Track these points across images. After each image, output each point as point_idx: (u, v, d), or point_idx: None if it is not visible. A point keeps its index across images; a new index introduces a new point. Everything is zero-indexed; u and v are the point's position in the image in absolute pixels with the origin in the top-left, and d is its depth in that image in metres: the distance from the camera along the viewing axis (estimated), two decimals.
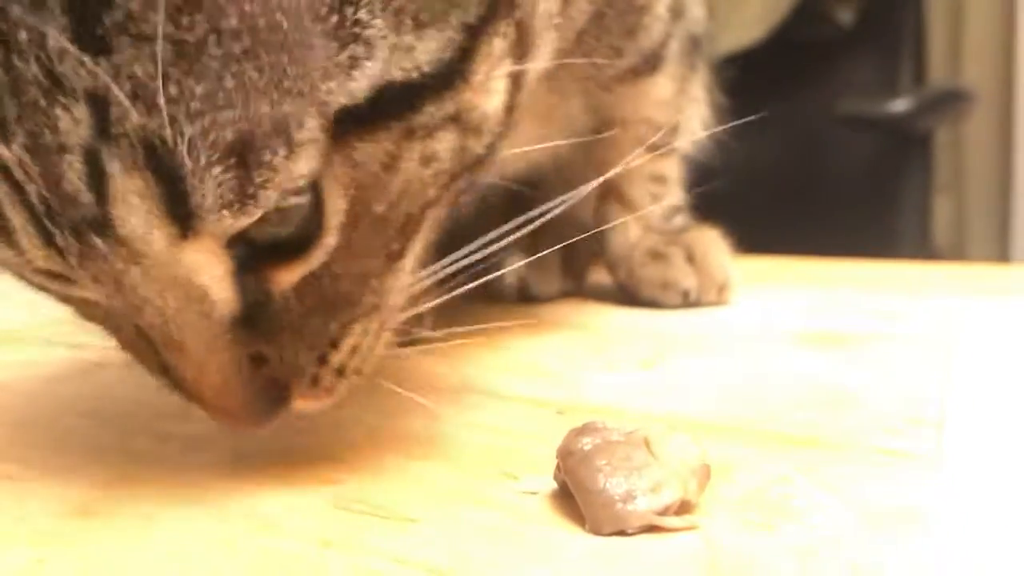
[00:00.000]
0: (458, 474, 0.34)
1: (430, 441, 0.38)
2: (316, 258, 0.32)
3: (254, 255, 0.31)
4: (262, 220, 0.30)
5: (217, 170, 0.27)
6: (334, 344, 0.35)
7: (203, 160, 0.27)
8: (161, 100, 0.26)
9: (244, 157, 0.28)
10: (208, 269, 0.30)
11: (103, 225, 0.28)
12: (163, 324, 0.31)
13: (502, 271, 0.68)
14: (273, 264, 0.32)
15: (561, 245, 0.69)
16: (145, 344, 0.33)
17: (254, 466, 0.35)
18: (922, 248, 1.76)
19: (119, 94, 0.26)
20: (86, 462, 0.37)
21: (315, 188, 0.31)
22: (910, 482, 0.32)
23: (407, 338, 0.54)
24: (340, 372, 0.35)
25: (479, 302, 0.67)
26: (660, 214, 0.65)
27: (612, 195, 0.66)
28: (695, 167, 0.73)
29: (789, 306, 0.62)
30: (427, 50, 0.31)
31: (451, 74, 0.32)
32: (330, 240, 0.32)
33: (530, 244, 0.69)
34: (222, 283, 0.31)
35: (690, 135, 0.68)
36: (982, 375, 0.43)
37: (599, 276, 0.69)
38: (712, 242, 0.64)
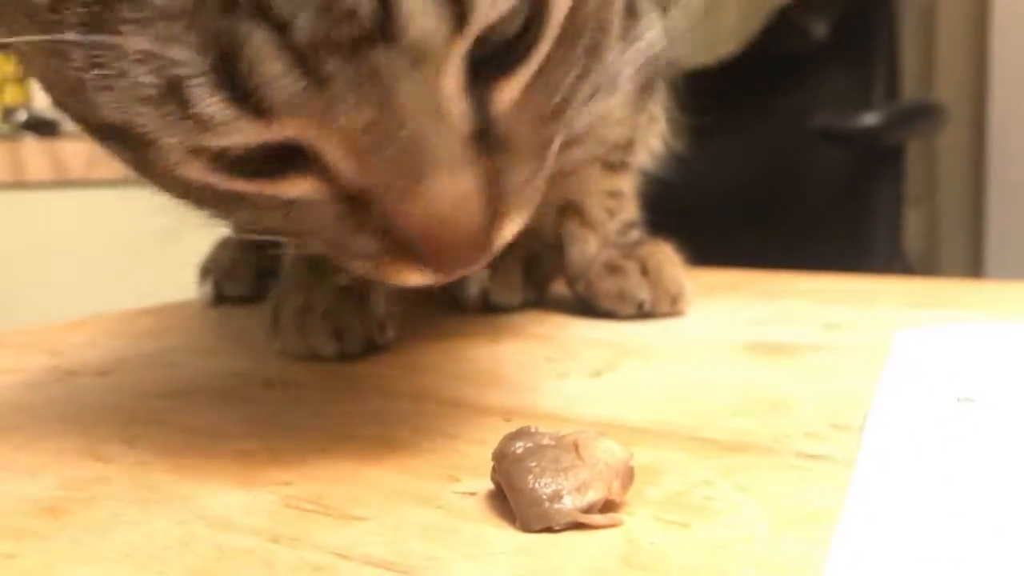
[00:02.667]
0: (405, 476, 0.36)
1: (381, 446, 0.40)
2: (536, 60, 0.34)
3: (475, 71, 0.33)
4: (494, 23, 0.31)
5: None
6: (545, 151, 0.37)
7: None
8: None
9: None
10: (457, 77, 0.32)
11: (387, 37, 0.29)
12: (415, 148, 0.32)
13: (465, 281, 0.71)
14: (496, 76, 0.33)
15: (523, 257, 0.72)
16: (352, 214, 0.34)
17: (214, 469, 0.38)
18: (895, 260, 1.79)
19: None
20: (56, 464, 0.39)
21: None
22: (823, 485, 0.34)
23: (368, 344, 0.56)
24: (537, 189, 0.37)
25: (441, 311, 0.70)
26: (616, 229, 0.68)
27: (571, 210, 0.68)
28: (660, 183, 0.75)
29: (739, 317, 0.65)
30: None
31: None
32: (551, 34, 0.34)
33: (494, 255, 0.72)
34: (462, 95, 0.32)
35: (647, 152, 0.71)
36: (909, 384, 0.46)
37: (559, 287, 0.72)
38: (666, 256, 0.67)
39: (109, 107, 0.32)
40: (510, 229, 0.37)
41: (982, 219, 2.04)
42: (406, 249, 0.35)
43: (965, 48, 2.07)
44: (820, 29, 1.69)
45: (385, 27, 0.29)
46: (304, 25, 0.28)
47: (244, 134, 0.31)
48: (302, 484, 0.36)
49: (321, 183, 0.34)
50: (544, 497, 0.30)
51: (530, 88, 0.35)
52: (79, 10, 0.30)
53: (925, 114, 1.86)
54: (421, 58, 0.30)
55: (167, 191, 0.39)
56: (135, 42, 0.29)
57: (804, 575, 0.27)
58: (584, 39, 0.37)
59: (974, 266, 2.04)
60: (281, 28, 0.28)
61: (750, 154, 1.68)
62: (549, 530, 0.30)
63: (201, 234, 0.83)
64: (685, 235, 0.69)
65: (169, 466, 0.38)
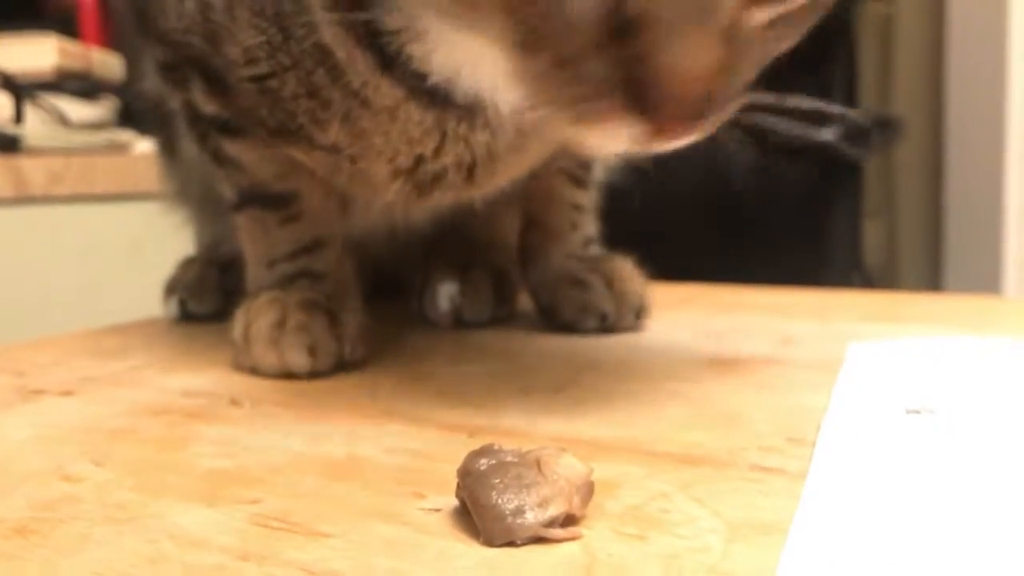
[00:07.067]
0: (371, 494, 0.37)
1: (348, 464, 0.41)
2: (790, 6, 0.38)
3: None
4: None
5: None
6: (737, 94, 0.40)
7: None
8: None
9: None
10: None
11: None
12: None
13: (437, 298, 0.72)
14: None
15: (492, 273, 0.73)
16: (610, 39, 0.36)
17: (182, 488, 0.38)
18: (854, 273, 1.82)
19: None
20: (24, 485, 0.39)
21: None
22: (777, 497, 0.35)
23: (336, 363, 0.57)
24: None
25: (407, 329, 0.70)
26: (578, 242, 0.69)
27: (535, 224, 0.70)
28: (619, 198, 0.77)
29: (698, 332, 0.66)
30: None
31: None
32: None
33: (463, 272, 0.73)
34: None
35: (602, 166, 0.72)
36: (861, 396, 0.47)
37: (524, 304, 0.73)
38: (629, 270, 0.68)
39: None
40: (708, 124, 0.39)
41: (940, 232, 2.08)
42: (635, 93, 0.36)
43: (922, 63, 2.10)
44: None
45: None
46: None
47: None
48: (270, 501, 0.36)
49: None
50: (507, 512, 0.31)
51: (768, 28, 0.38)
52: None
53: (883, 128, 1.89)
54: None
55: None
56: None
57: None
58: (792, 39, 0.41)
59: (933, 279, 2.07)
60: None
61: (708, 169, 1.69)
62: (512, 544, 0.31)
63: (163, 250, 0.83)
64: (645, 250, 0.71)
65: (137, 485, 0.39)
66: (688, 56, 0.35)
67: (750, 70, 0.40)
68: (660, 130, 0.37)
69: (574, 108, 0.38)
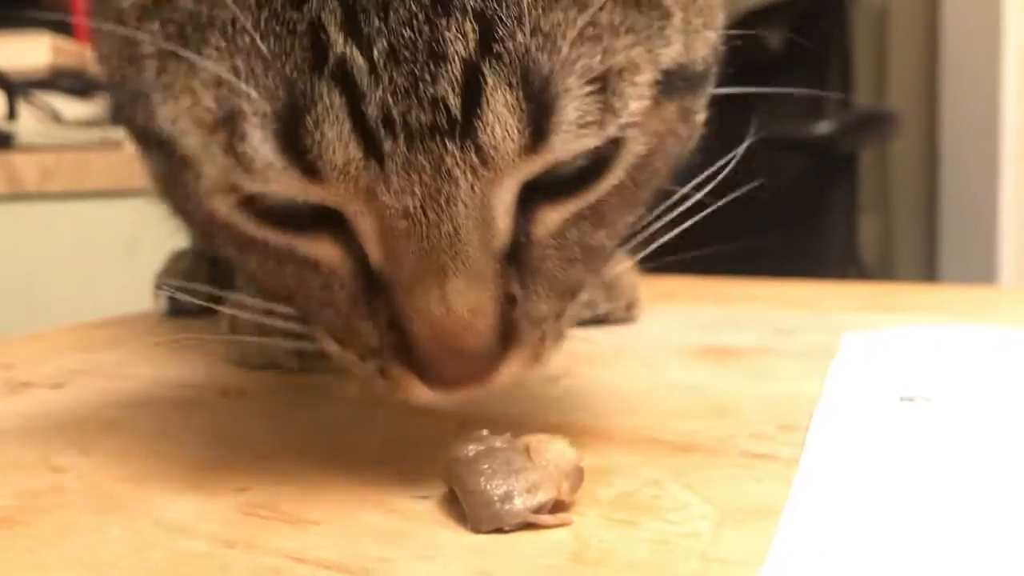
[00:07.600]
0: (360, 482, 0.37)
1: (336, 453, 0.40)
2: (587, 198, 0.35)
3: (527, 193, 0.33)
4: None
5: (580, 93, 0.30)
6: (573, 295, 0.37)
7: (571, 83, 0.30)
8: (545, 25, 0.30)
9: (604, 87, 0.31)
10: (512, 193, 0.33)
11: (462, 132, 0.30)
12: (447, 246, 0.31)
13: None
14: (544, 202, 0.34)
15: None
16: (365, 298, 0.34)
17: (169, 477, 0.38)
18: (850, 266, 1.82)
19: (507, 16, 0.29)
20: (10, 475, 0.39)
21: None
22: (768, 482, 0.35)
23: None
24: (558, 335, 0.37)
25: None
26: None
27: None
28: None
29: (692, 323, 0.66)
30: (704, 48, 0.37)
31: (709, 74, 0.39)
32: (610, 182, 0.35)
33: None
34: (508, 213, 0.33)
35: None
36: (854, 383, 0.47)
37: None
38: (621, 264, 0.68)
39: (164, 119, 0.33)
40: (519, 363, 0.35)
41: (935, 225, 2.08)
42: (408, 352, 0.34)
43: (917, 57, 2.10)
44: (775, 39, 1.71)
45: (464, 124, 0.30)
46: (383, 100, 0.29)
47: (285, 187, 0.31)
48: (257, 490, 0.36)
49: (347, 255, 0.34)
50: (495, 498, 0.31)
51: (573, 225, 0.35)
52: (168, 26, 0.31)
53: (878, 122, 1.89)
54: (486, 165, 0.31)
55: (186, 216, 0.39)
56: (213, 66, 0.30)
57: (747, 567, 0.28)
58: (635, 211, 0.39)
59: (928, 271, 2.07)
60: (359, 97, 0.29)
61: (705, 163, 1.69)
62: (500, 530, 0.31)
63: (156, 246, 0.83)
64: (640, 242, 0.70)
65: (124, 474, 0.38)
66: (432, 311, 0.32)
67: (566, 273, 0.36)
68: (444, 383, 0.34)
69: (370, 369, 0.36)
